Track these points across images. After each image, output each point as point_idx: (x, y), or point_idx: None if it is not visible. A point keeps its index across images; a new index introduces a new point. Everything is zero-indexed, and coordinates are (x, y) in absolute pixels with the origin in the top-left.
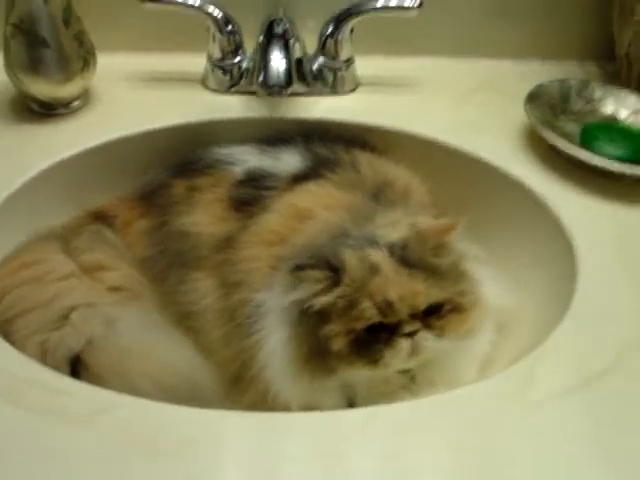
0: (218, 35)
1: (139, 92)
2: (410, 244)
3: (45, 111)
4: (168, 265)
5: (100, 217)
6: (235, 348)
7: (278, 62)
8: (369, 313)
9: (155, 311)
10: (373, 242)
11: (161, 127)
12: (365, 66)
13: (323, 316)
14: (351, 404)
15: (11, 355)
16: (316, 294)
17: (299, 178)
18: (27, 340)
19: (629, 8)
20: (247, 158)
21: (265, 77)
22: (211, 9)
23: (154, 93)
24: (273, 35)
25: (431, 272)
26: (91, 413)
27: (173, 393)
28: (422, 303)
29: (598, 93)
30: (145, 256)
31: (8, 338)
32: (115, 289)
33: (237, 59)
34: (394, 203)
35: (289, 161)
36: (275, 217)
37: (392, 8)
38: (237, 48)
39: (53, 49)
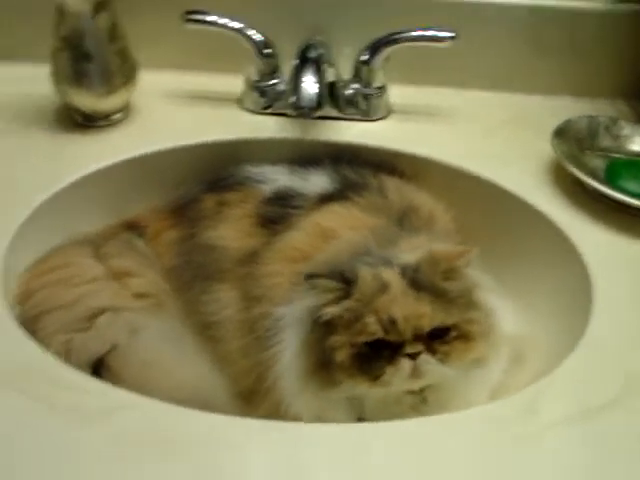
0: (257, 58)
1: (177, 108)
2: (422, 267)
3: (87, 122)
4: (193, 276)
5: (132, 226)
6: (252, 360)
7: (310, 85)
8: (373, 328)
9: (178, 319)
10: (388, 262)
11: (196, 143)
12: (398, 94)
13: (330, 327)
14: (360, 420)
15: (33, 351)
16: (326, 304)
17: (326, 199)
18: (52, 338)
19: None
20: (277, 177)
21: (297, 99)
22: (251, 32)
23: (192, 110)
24: (307, 59)
25: (440, 296)
26: (106, 411)
27: (188, 405)
28: (426, 325)
29: (626, 130)
30: (172, 266)
31: (33, 335)
32: (140, 295)
33: (273, 81)
34: (418, 229)
35: (317, 182)
36: (300, 235)
37: (427, 38)
38: (274, 71)
39: (97, 63)
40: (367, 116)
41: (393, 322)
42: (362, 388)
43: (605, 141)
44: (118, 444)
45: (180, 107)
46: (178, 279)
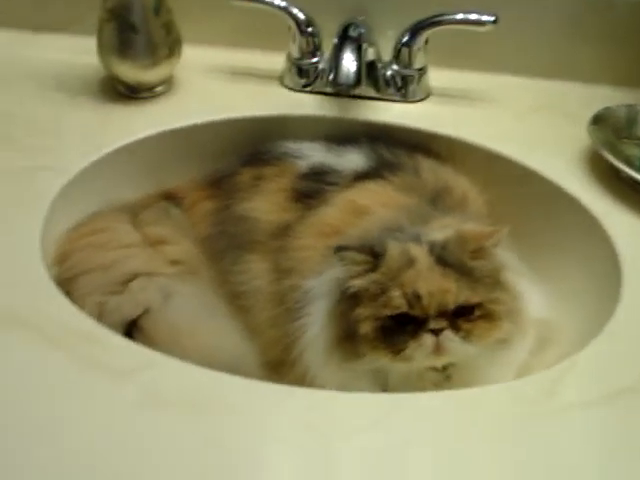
0: (298, 36)
1: (219, 83)
2: (450, 244)
3: (130, 93)
4: (226, 246)
5: (169, 197)
6: (281, 331)
7: (349, 63)
8: (397, 302)
9: (209, 288)
10: (417, 238)
11: (236, 117)
12: (438, 77)
13: (356, 299)
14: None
15: (68, 309)
16: (353, 276)
17: (361, 176)
18: (86, 299)
19: None
20: (313, 154)
21: (335, 75)
22: (295, 10)
23: (233, 86)
24: (348, 37)
25: (466, 274)
26: (135, 369)
27: (217, 369)
28: (451, 302)
29: None
30: (206, 235)
31: (68, 295)
32: (174, 262)
33: (314, 60)
34: (451, 210)
35: (353, 160)
36: (333, 211)
37: (468, 21)
38: (315, 49)
39: (142, 35)
40: (406, 97)
41: (418, 297)
42: (384, 361)
43: None
44: (145, 402)
45: (222, 82)
46: (211, 248)
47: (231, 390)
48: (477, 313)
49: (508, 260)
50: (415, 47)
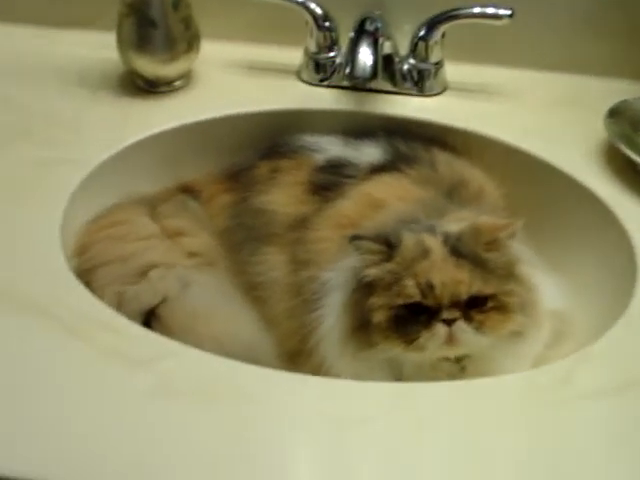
0: (316, 30)
1: (237, 78)
2: (465, 236)
3: (149, 88)
4: (244, 238)
5: (187, 190)
6: (297, 322)
7: (365, 56)
8: (411, 291)
9: (227, 279)
10: (432, 229)
11: (254, 111)
12: (454, 71)
13: (370, 289)
14: None
15: (87, 299)
16: (368, 265)
17: (377, 169)
18: (105, 289)
19: None
20: (330, 147)
21: (351, 68)
22: (312, 5)
23: (251, 80)
24: (364, 31)
25: (479, 265)
26: (148, 357)
27: (234, 358)
28: (464, 292)
29: None
30: (224, 227)
31: (88, 286)
32: (193, 254)
33: (331, 54)
34: (467, 203)
35: (370, 153)
36: (350, 203)
37: (485, 15)
38: (332, 44)
39: (161, 30)
40: (422, 91)
41: (431, 286)
42: (397, 351)
43: None
44: (162, 390)
45: (240, 77)
46: (229, 241)
47: (248, 379)
48: (490, 304)
49: (523, 253)
50: (432, 41)
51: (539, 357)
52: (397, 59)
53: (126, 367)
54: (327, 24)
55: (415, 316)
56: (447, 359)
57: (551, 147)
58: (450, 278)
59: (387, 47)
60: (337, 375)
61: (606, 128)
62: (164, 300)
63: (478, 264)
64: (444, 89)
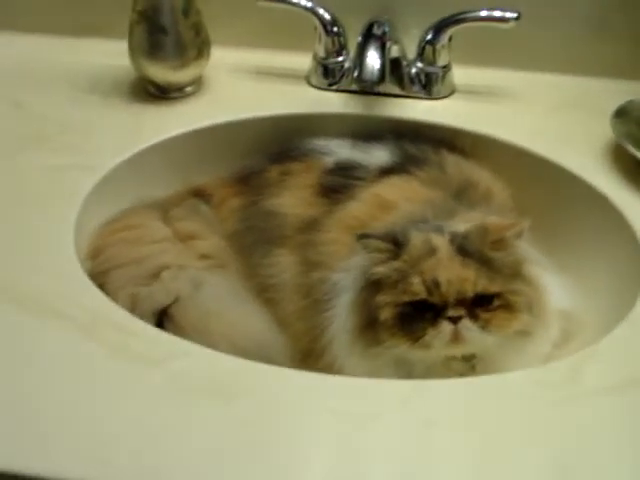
0: (324, 36)
1: (247, 83)
2: (471, 235)
3: (160, 94)
4: (254, 240)
5: (198, 194)
6: (309, 323)
7: (373, 60)
8: (417, 289)
9: (238, 281)
10: (439, 229)
11: (264, 116)
12: (462, 74)
13: (378, 287)
14: None
15: (101, 300)
16: (376, 263)
17: (386, 171)
18: (119, 291)
19: None
20: (340, 150)
21: (359, 72)
22: (321, 11)
23: (261, 85)
24: (371, 36)
25: (486, 264)
26: (161, 356)
27: (247, 356)
28: (469, 290)
29: None
30: (235, 230)
31: (102, 288)
32: (204, 256)
33: (340, 59)
34: (475, 204)
35: (379, 155)
36: (359, 205)
37: (492, 18)
38: (341, 49)
39: (171, 37)
40: (431, 94)
41: (437, 284)
42: (403, 348)
43: None
44: (173, 390)
45: (250, 82)
46: (240, 243)
47: (260, 377)
48: (496, 303)
49: (531, 253)
50: (439, 45)
51: (548, 357)
52: (405, 63)
53: (140, 367)
54: (335, 29)
55: (421, 314)
56: (456, 358)
57: (558, 148)
58: (456, 276)
59: (395, 51)
60: (348, 374)
61: (613, 128)
62: (176, 300)
63: (484, 263)
64: (452, 92)
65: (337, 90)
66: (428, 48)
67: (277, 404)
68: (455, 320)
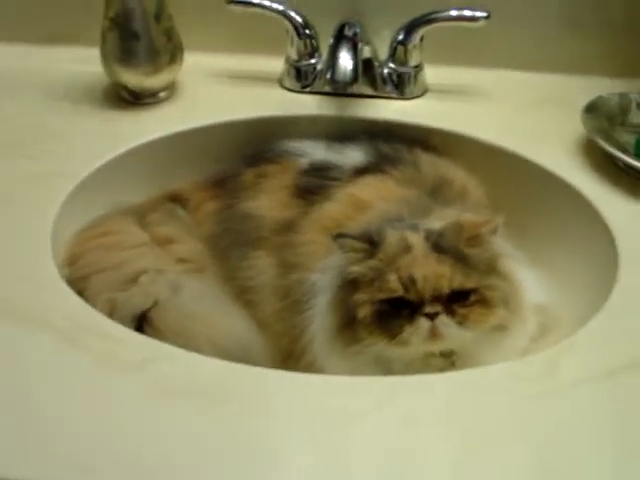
0: (296, 38)
1: (220, 88)
2: (446, 232)
3: (134, 99)
4: (231, 243)
5: (175, 198)
6: (288, 323)
7: (345, 61)
8: (393, 286)
9: (217, 284)
10: (415, 227)
11: (238, 119)
12: (434, 74)
13: (355, 285)
14: None
15: (80, 307)
16: (352, 263)
17: (361, 171)
18: (98, 296)
19: None
20: (314, 151)
21: (332, 73)
22: (292, 14)
23: (234, 90)
24: (343, 37)
25: (461, 260)
26: (143, 360)
27: (228, 357)
28: (445, 286)
29: None
30: (212, 234)
31: (80, 294)
32: (182, 260)
33: (312, 61)
34: (450, 202)
35: (353, 156)
36: (335, 206)
37: (462, 17)
38: (313, 51)
39: (143, 42)
40: (403, 95)
41: (413, 281)
42: (382, 345)
43: (636, 118)
44: (153, 393)
45: (223, 87)
46: (218, 246)
47: (241, 378)
48: (473, 299)
49: (506, 249)
50: (410, 45)
51: (525, 350)
52: (377, 63)
53: (121, 371)
54: (307, 32)
55: (398, 311)
56: (434, 354)
57: (531, 144)
58: (432, 272)
59: (366, 52)
60: (329, 373)
61: (583, 124)
62: (155, 304)
63: (460, 259)
64: (424, 92)
65: (310, 92)
66: (400, 48)
67: (259, 405)
68: (432, 316)
